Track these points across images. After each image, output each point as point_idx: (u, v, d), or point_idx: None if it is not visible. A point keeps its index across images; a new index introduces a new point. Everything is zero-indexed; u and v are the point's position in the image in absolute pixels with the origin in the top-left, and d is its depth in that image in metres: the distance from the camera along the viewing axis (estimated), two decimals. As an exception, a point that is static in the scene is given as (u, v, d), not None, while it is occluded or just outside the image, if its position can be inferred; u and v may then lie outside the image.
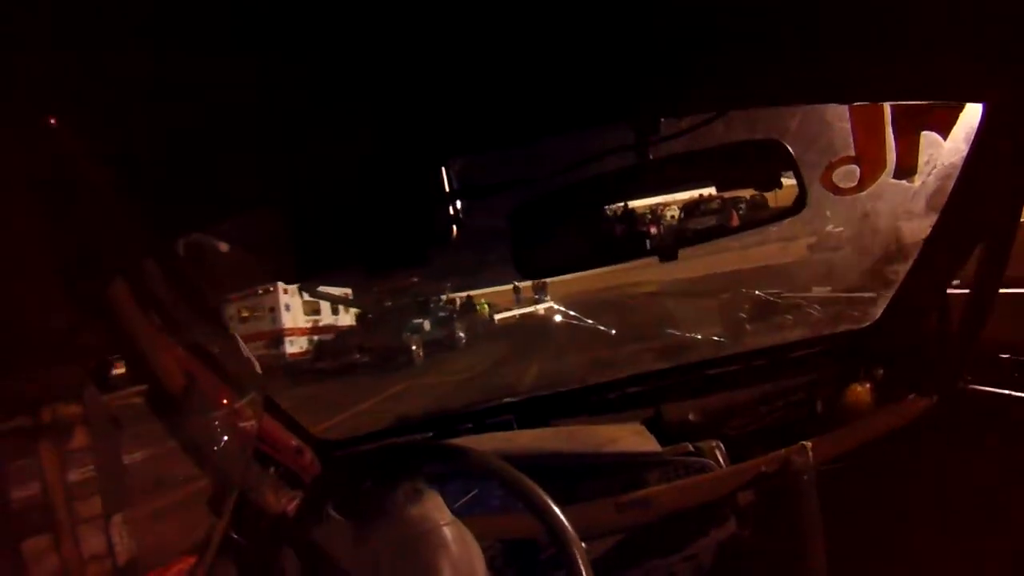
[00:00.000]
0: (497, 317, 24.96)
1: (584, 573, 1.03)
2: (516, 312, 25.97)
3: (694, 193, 1.27)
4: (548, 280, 25.07)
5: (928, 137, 1.26)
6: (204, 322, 1.27)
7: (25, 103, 0.65)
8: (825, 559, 1.36)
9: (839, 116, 1.35)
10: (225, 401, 1.26)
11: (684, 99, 1.00)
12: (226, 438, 1.20)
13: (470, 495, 1.44)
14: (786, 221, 1.24)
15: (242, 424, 1.30)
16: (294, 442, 1.47)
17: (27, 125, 0.66)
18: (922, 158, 1.27)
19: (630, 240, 1.23)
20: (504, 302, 27.93)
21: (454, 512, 1.31)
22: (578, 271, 1.28)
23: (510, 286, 28.79)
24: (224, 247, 1.33)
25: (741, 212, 1.25)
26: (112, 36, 0.60)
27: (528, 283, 26.96)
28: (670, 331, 10.43)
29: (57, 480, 0.91)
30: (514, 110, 0.93)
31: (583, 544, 1.08)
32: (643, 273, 20.78)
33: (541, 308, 24.83)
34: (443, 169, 1.10)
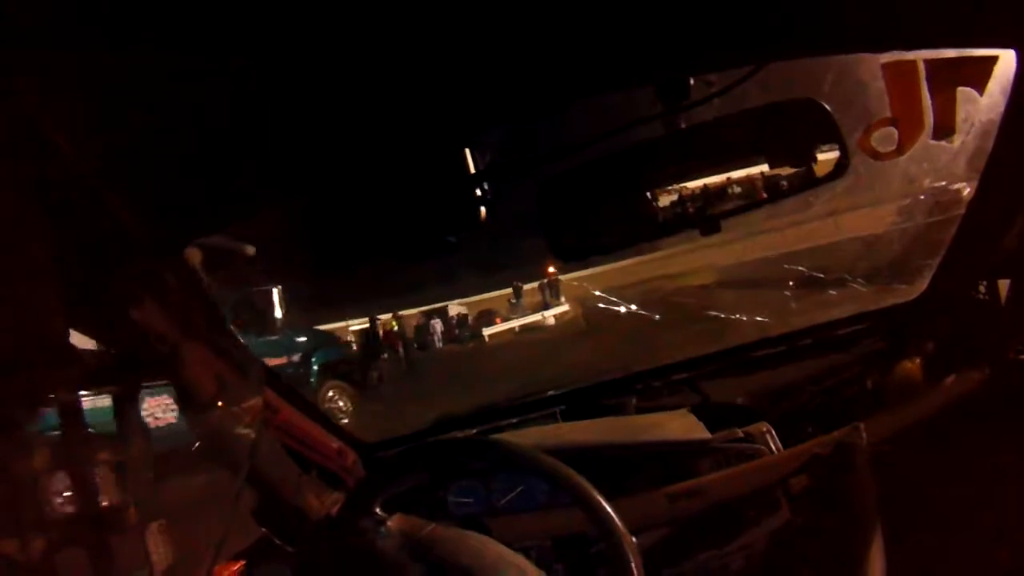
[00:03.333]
0: (488, 332, 23.47)
1: (634, 568, 1.21)
2: (514, 323, 24.13)
3: (731, 161, 1.43)
4: (560, 277, 24.54)
5: (964, 93, 1.43)
6: (231, 325, 1.44)
7: (25, 102, 0.75)
8: (883, 544, 1.46)
9: (873, 75, 1.51)
10: (260, 405, 1.40)
11: (711, 54, 1.13)
12: (263, 442, 1.36)
13: (516, 491, 1.63)
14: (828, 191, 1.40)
15: (279, 428, 1.48)
16: (335, 444, 1.64)
17: (27, 125, 0.77)
18: (959, 116, 1.44)
19: (668, 214, 1.39)
20: (502, 309, 26.84)
21: (500, 509, 1.50)
22: (616, 250, 1.43)
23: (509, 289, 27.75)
24: (243, 248, 1.55)
25: (781, 178, 1.42)
26: (118, 33, 0.72)
27: (533, 284, 26.36)
28: (713, 313, 11.03)
29: (92, 490, 1.05)
30: (530, 74, 1.05)
31: (633, 538, 1.25)
32: (672, 264, 20.60)
33: (551, 315, 23.28)
34: (467, 150, 1.27)
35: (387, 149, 1.18)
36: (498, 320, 24.74)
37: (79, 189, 0.87)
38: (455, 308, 27.40)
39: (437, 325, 23.93)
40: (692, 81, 1.28)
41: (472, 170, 1.26)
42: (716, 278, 17.30)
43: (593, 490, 1.30)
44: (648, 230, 1.40)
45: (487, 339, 22.70)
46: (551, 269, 24.06)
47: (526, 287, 27.13)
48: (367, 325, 19.56)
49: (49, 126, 0.79)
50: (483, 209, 1.27)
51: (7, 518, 0.88)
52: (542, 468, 1.39)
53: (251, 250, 1.59)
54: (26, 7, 0.66)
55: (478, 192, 1.26)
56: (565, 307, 23.72)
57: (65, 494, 0.98)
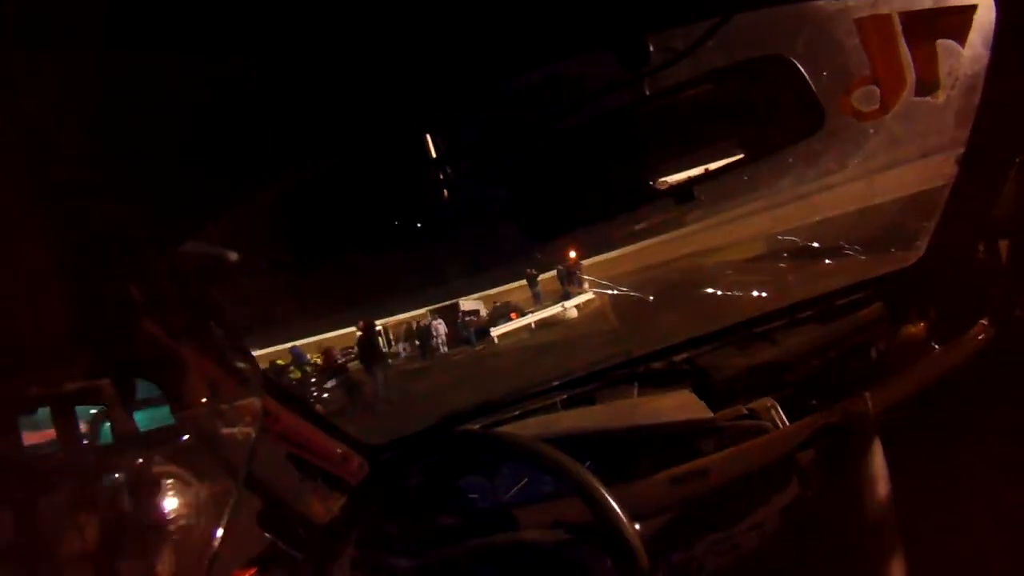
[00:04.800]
0: (497, 332, 21.82)
1: (637, 556, 1.31)
2: (530, 318, 22.22)
3: (701, 124, 1.47)
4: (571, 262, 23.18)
5: (945, 46, 1.51)
6: (226, 328, 1.50)
7: (25, 102, 0.80)
8: (895, 514, 1.52)
9: (848, 33, 1.56)
10: (259, 410, 1.49)
11: (670, 6, 1.19)
12: (265, 449, 1.49)
13: (521, 484, 1.73)
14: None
15: (280, 434, 1.57)
16: (339, 449, 1.74)
17: (26, 124, 0.81)
18: (942, 70, 1.50)
19: (641, 183, 1.45)
20: (523, 301, 25.43)
21: (507, 502, 1.58)
22: (590, 223, 1.48)
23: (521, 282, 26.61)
24: (224, 253, 1.62)
25: (755, 138, 1.46)
26: (102, 36, 0.78)
27: (551, 273, 24.99)
28: (710, 291, 11.41)
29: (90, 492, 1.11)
30: (483, 43, 1.10)
31: (637, 525, 1.35)
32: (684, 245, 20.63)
33: (572, 306, 21.30)
34: (426, 135, 1.33)
35: (344, 137, 1.23)
36: (513, 316, 23.20)
37: (77, 189, 0.92)
38: (468, 304, 26.62)
39: (440, 327, 22.85)
40: (652, 48, 1.31)
41: (432, 154, 1.32)
42: (718, 258, 17.46)
43: (592, 478, 1.40)
44: (620, 201, 1.47)
45: (497, 340, 21.25)
46: (572, 254, 23.03)
47: (543, 276, 25.85)
48: (366, 329, 19.56)
49: (48, 126, 0.84)
50: (444, 193, 1.32)
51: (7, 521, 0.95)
52: (540, 457, 1.49)
53: (233, 255, 1.62)
54: (26, 7, 0.71)
55: (439, 176, 1.32)
56: (588, 295, 21.99)
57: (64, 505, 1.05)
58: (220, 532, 1.15)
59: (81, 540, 1.04)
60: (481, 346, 21.40)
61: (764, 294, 9.69)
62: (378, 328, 19.58)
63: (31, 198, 0.87)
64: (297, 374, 20.16)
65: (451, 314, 24.93)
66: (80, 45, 0.79)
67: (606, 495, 1.37)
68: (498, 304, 26.34)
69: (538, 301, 25.03)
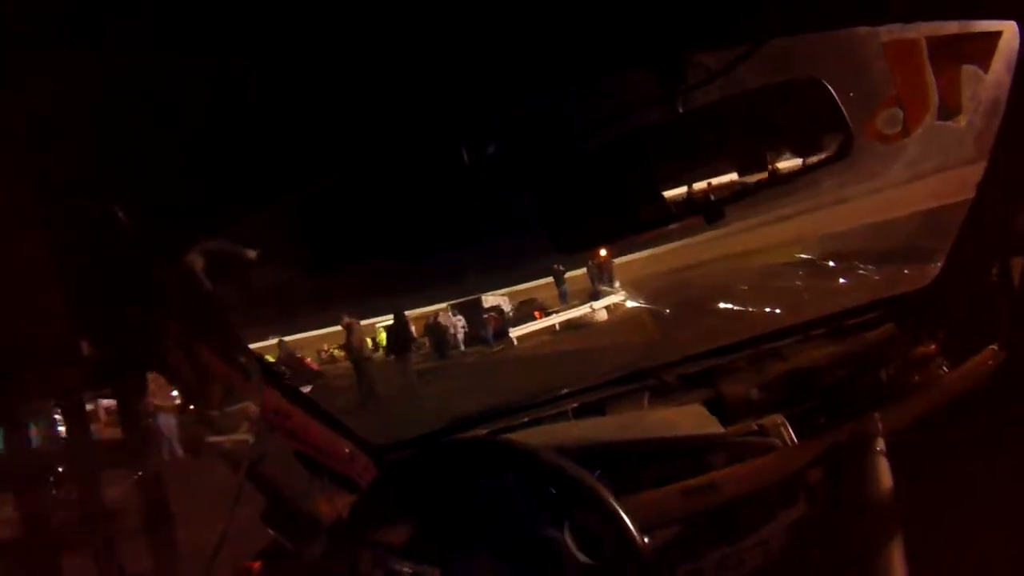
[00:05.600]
0: (517, 333, 20.96)
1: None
2: (555, 319, 21.50)
3: (733, 144, 1.56)
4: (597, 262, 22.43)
5: (968, 71, 1.58)
6: (238, 328, 1.62)
7: (27, 103, 0.84)
8: (903, 537, 1.54)
9: (873, 56, 1.62)
10: (268, 409, 1.62)
11: (708, 31, 1.27)
12: (272, 446, 1.59)
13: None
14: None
15: (288, 432, 1.68)
16: (346, 448, 1.85)
17: (28, 125, 0.86)
18: (965, 94, 1.58)
19: (671, 201, 1.54)
20: (549, 299, 25.09)
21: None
22: (617, 239, 1.60)
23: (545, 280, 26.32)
24: (244, 251, 1.71)
25: (785, 161, 1.53)
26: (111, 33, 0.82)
27: (580, 270, 24.51)
28: (725, 306, 11.63)
29: (99, 494, 1.17)
30: (524, 60, 1.17)
31: (646, 539, 1.42)
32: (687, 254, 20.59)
33: (601, 307, 20.57)
34: (462, 144, 1.43)
35: (380, 144, 1.31)
36: (537, 314, 22.68)
37: (81, 189, 1.00)
38: (490, 300, 26.08)
39: (458, 323, 22.28)
40: (689, 66, 1.41)
41: (467, 163, 1.42)
42: (727, 269, 17.56)
43: (602, 488, 1.47)
44: (651, 219, 1.56)
45: (516, 341, 20.52)
46: (603, 252, 21.09)
47: (572, 274, 25.37)
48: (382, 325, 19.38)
49: (50, 126, 0.89)
50: (479, 203, 1.42)
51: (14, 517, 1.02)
52: (552, 467, 1.55)
53: (252, 253, 1.72)
54: (27, 8, 0.75)
55: (474, 185, 1.42)
56: (619, 296, 21.27)
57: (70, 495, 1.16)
58: (224, 526, 1.26)
59: (89, 533, 1.12)
60: (499, 347, 20.88)
61: (778, 310, 10.03)
62: (394, 322, 19.52)
63: (42, 199, 0.94)
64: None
65: (472, 310, 24.36)
66: (80, 45, 0.83)
67: (616, 505, 1.44)
68: (523, 301, 25.96)
69: (565, 300, 24.67)
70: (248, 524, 1.66)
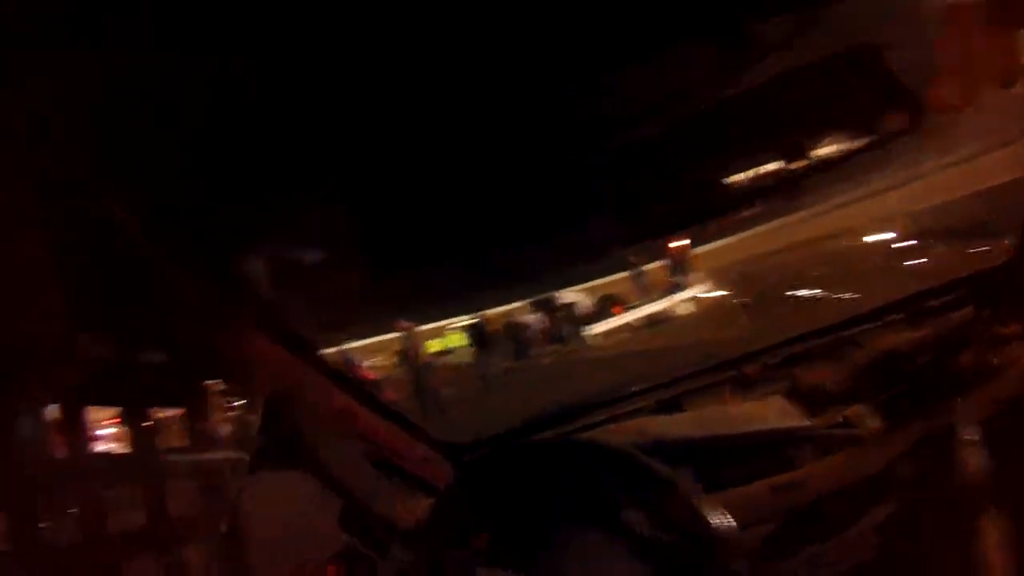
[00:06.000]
0: (593, 331, 20.39)
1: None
2: (633, 315, 21.14)
3: (801, 122, 1.59)
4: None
5: None
6: (313, 330, 1.68)
7: (27, 103, 0.89)
8: (1000, 529, 1.56)
9: (933, 23, 1.60)
10: (336, 411, 1.68)
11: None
12: (343, 449, 1.64)
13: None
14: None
15: (360, 434, 1.73)
16: (420, 450, 1.87)
17: (27, 126, 0.91)
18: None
19: (744, 182, 1.60)
20: (627, 293, 24.40)
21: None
22: (694, 225, 1.59)
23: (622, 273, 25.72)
24: (306, 254, 1.78)
25: (853, 138, 1.59)
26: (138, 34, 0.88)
27: (658, 262, 24.07)
28: (806, 293, 11.49)
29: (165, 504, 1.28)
30: (588, 30, 1.19)
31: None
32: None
33: (683, 300, 19.91)
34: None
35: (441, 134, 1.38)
36: (616, 310, 21.67)
37: (88, 196, 1.04)
38: (566, 297, 25.16)
39: (535, 322, 21.36)
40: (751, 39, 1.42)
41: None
42: (805, 255, 17.06)
43: (693, 492, 1.51)
44: (726, 202, 1.64)
45: (592, 340, 19.73)
46: (680, 243, 20.71)
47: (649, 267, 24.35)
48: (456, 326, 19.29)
49: (56, 128, 0.95)
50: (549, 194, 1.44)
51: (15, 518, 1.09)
52: (643, 467, 1.59)
53: (314, 256, 1.80)
54: (30, 8, 0.80)
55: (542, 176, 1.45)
56: (700, 287, 20.47)
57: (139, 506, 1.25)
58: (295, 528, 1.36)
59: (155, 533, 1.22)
60: (573, 347, 19.71)
61: (856, 295, 9.76)
62: (475, 322, 19.44)
63: (42, 199, 0.99)
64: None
65: (548, 308, 23.24)
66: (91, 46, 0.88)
67: (705, 505, 1.47)
68: (601, 297, 24.66)
69: (644, 294, 23.30)
70: (322, 527, 1.71)
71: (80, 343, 1.11)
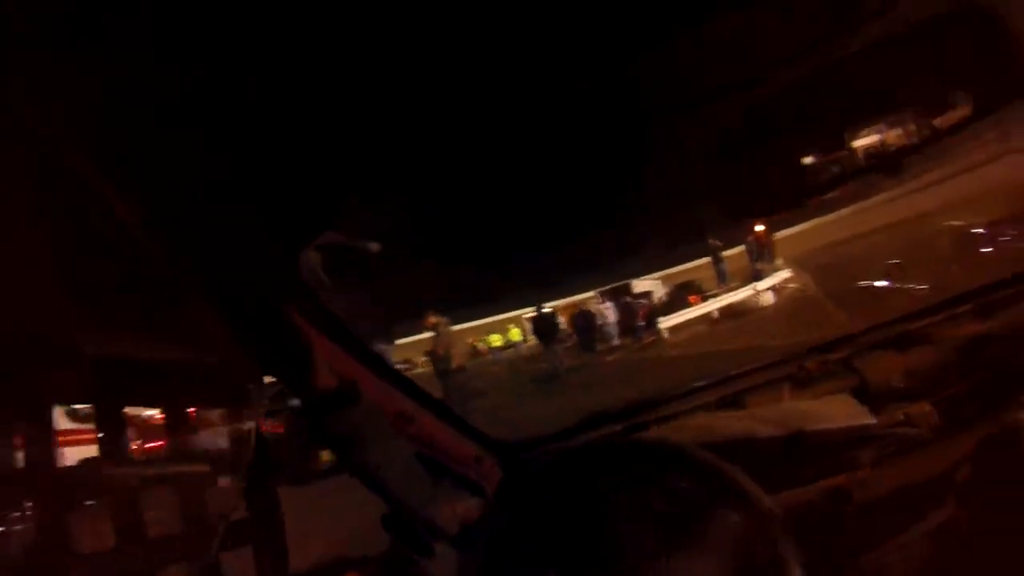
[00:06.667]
0: (667, 323, 19.34)
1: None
2: (712, 304, 19.77)
3: (904, 90, 1.53)
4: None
5: None
6: (365, 327, 1.68)
7: (28, 103, 0.90)
8: None
9: None
10: (390, 412, 1.67)
11: None
12: (393, 450, 1.62)
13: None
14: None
15: (412, 434, 1.72)
16: (472, 450, 1.88)
17: (27, 126, 0.93)
18: None
19: (847, 157, 1.54)
20: (706, 280, 23.10)
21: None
22: (793, 205, 1.65)
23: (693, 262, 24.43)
24: (366, 245, 1.77)
25: (960, 103, 1.50)
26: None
27: (738, 248, 22.57)
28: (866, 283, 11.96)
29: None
30: None
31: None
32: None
33: (766, 288, 18.84)
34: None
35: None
36: (693, 299, 21.20)
37: (89, 196, 1.03)
38: (641, 285, 25.26)
39: (608, 311, 21.21)
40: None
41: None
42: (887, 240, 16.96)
43: (759, 491, 1.47)
44: (827, 179, 1.57)
45: (667, 333, 19.02)
46: (760, 227, 19.37)
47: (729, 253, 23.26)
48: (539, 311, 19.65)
49: (56, 128, 0.96)
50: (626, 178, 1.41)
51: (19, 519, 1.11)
52: (711, 470, 1.55)
53: (374, 246, 1.78)
54: (30, 8, 0.81)
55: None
56: (785, 273, 19.60)
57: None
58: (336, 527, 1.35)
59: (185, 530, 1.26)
60: (646, 340, 19.61)
61: (924, 285, 10.02)
62: (539, 313, 19.70)
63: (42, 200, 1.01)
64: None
65: (621, 297, 23.44)
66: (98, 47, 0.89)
67: (770, 507, 1.45)
68: (677, 285, 24.35)
69: (724, 281, 22.88)
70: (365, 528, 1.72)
71: (80, 343, 1.13)
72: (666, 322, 19.59)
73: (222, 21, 0.91)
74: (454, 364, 14.10)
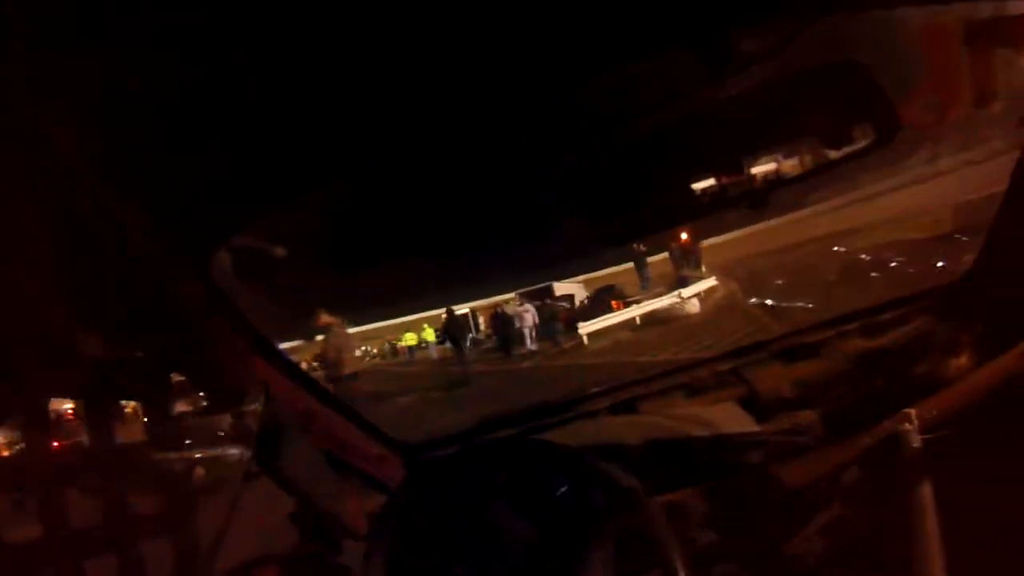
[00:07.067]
0: (587, 329, 18.71)
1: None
2: (635, 311, 19.29)
3: (774, 132, 1.67)
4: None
5: (1004, 55, 1.66)
6: (270, 326, 1.73)
7: (27, 103, 0.90)
8: (940, 538, 1.65)
9: (912, 40, 1.69)
10: (296, 410, 1.75)
11: (755, 6, 1.36)
12: (299, 447, 1.69)
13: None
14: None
15: (317, 433, 1.81)
16: (375, 449, 2.00)
17: (27, 126, 0.92)
18: (999, 79, 1.65)
19: (713, 189, 1.65)
20: (630, 285, 22.20)
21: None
22: (667, 228, 1.76)
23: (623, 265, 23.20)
24: (274, 249, 1.84)
25: (827, 148, 1.66)
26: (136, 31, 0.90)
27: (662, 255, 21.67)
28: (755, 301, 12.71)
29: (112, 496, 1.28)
30: (564, 40, 1.23)
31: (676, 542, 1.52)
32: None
33: (691, 295, 18.06)
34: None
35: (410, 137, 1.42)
36: (616, 305, 20.33)
37: (89, 196, 1.07)
38: (562, 289, 23.93)
39: (527, 314, 20.02)
40: (731, 50, 1.46)
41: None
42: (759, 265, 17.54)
43: (643, 494, 1.59)
44: (692, 207, 1.68)
45: (587, 340, 18.39)
46: (683, 236, 17.46)
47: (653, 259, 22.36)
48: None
49: (56, 128, 0.97)
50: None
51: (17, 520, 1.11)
52: (595, 469, 1.67)
53: (282, 251, 1.83)
54: (30, 8, 0.83)
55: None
56: (711, 281, 18.96)
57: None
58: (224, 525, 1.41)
59: (108, 529, 1.22)
60: (564, 346, 18.93)
61: (811, 304, 10.83)
62: (454, 315, 19.44)
63: (47, 201, 1.02)
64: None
65: (542, 300, 22.19)
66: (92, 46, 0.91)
67: (655, 509, 1.55)
68: (599, 289, 23.45)
69: (647, 287, 22.11)
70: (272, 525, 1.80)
71: (80, 343, 1.17)
72: (586, 327, 19.15)
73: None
74: (348, 370, 13.59)
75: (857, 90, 1.58)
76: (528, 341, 20.02)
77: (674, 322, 17.26)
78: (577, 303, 23.40)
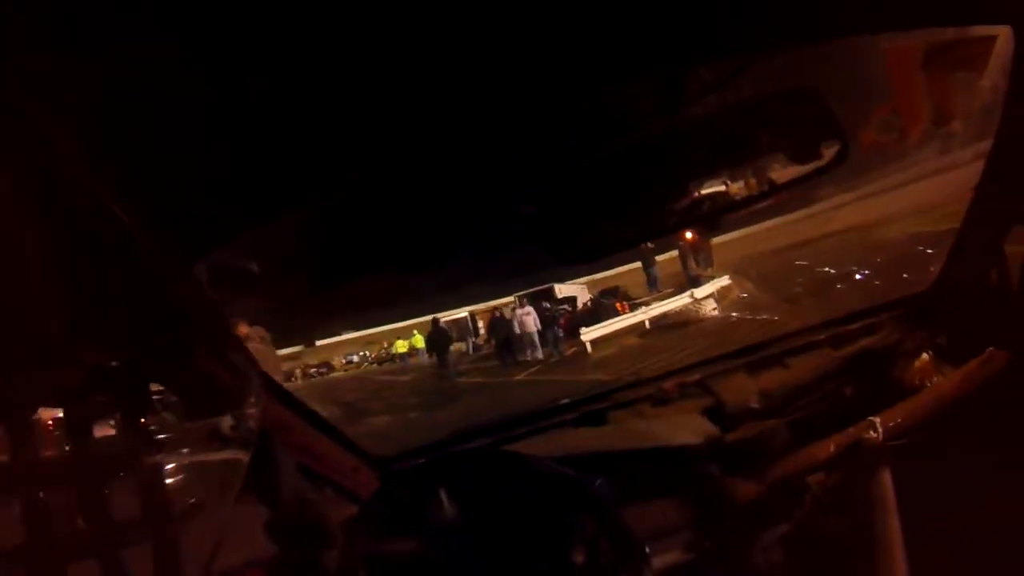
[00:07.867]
0: (589, 335, 18.17)
1: None
2: (643, 314, 18.68)
3: (730, 155, 1.76)
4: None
5: (961, 77, 1.79)
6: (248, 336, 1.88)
7: (27, 103, 0.92)
8: (902, 540, 1.80)
9: (872, 63, 1.82)
10: (273, 422, 1.82)
11: (708, 44, 1.45)
12: (276, 459, 1.78)
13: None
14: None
15: (292, 445, 1.89)
16: (349, 461, 2.10)
17: (26, 126, 0.94)
18: (958, 100, 1.78)
19: (671, 212, 1.77)
20: (636, 288, 22.46)
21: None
22: (618, 251, 1.79)
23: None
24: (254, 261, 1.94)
25: (782, 170, 1.76)
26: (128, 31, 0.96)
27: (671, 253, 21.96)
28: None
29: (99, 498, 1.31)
30: (526, 74, 1.33)
31: (647, 548, 1.65)
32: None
33: (705, 296, 17.41)
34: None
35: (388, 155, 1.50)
36: (621, 307, 20.32)
37: (89, 196, 1.09)
38: (564, 290, 24.48)
39: (528, 317, 19.50)
40: (689, 79, 1.63)
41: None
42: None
43: (607, 501, 1.70)
44: (650, 228, 1.82)
45: (590, 347, 17.95)
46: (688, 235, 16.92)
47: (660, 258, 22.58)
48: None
49: (56, 128, 1.00)
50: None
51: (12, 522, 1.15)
52: (557, 477, 1.77)
53: (263, 264, 1.94)
54: (30, 8, 0.84)
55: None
56: (724, 280, 18.46)
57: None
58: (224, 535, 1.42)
59: (89, 534, 1.25)
60: (565, 352, 18.88)
61: (775, 317, 11.37)
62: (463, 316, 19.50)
63: (42, 203, 1.03)
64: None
65: (543, 303, 21.68)
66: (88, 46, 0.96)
67: (618, 515, 1.67)
68: (603, 291, 23.65)
69: (655, 287, 22.18)
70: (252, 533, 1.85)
71: (80, 345, 1.22)
72: (588, 333, 18.68)
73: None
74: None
75: (806, 115, 1.68)
76: (531, 347, 19.82)
77: (690, 324, 16.59)
78: (580, 306, 23.27)
